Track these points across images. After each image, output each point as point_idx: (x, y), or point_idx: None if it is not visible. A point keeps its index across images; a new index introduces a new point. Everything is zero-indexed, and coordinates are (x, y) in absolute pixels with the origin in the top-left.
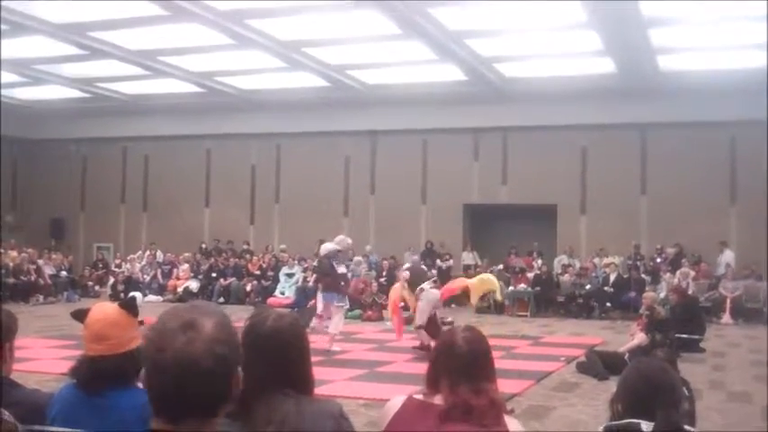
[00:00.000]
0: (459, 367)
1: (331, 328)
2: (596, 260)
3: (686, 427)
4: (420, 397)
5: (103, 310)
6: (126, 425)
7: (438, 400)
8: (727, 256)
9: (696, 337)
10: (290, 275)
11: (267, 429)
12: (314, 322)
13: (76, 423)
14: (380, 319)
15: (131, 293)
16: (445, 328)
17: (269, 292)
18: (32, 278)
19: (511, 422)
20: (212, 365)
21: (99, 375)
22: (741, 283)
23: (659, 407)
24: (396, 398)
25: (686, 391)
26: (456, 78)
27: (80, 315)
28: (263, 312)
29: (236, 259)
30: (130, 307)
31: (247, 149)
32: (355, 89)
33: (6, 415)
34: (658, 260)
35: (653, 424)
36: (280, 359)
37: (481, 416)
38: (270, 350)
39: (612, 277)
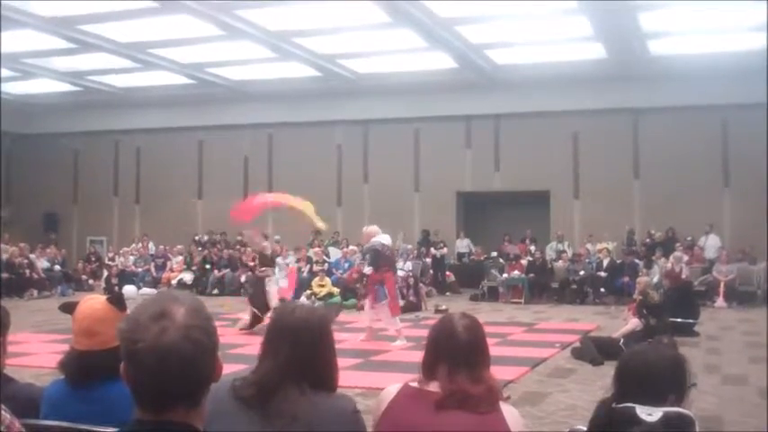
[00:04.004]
0: (459, 355)
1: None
2: (589, 245)
3: (681, 410)
4: (416, 385)
5: (91, 305)
6: (117, 414)
7: (434, 387)
8: (712, 239)
9: (690, 320)
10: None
11: (278, 422)
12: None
13: (67, 417)
14: None
15: (124, 287)
16: (440, 315)
17: None
18: (26, 273)
19: (507, 409)
20: (189, 352)
21: (88, 370)
22: (735, 267)
23: (662, 395)
24: (391, 386)
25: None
26: (447, 66)
27: (69, 308)
28: (290, 305)
29: (230, 250)
30: (118, 302)
31: (239, 140)
32: (346, 78)
33: (5, 410)
34: (650, 243)
35: (647, 408)
36: (303, 352)
37: (478, 403)
38: (295, 343)
39: (606, 262)
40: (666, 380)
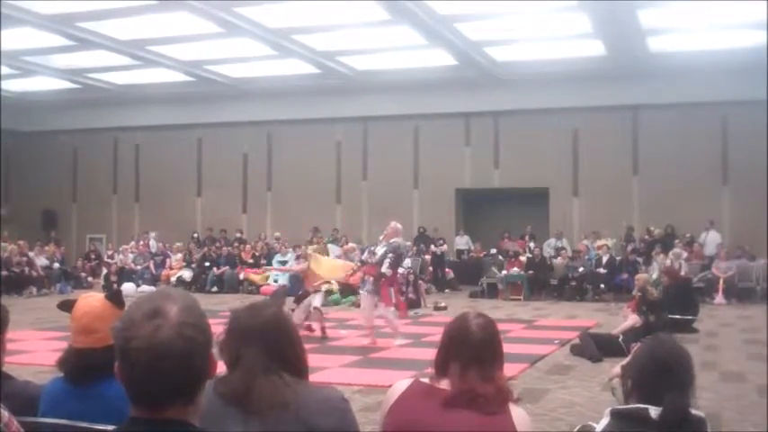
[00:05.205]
0: (472, 354)
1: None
2: (586, 242)
3: (692, 410)
4: (426, 381)
5: (90, 302)
6: (115, 412)
7: (444, 384)
8: (712, 236)
9: (689, 317)
10: (282, 263)
11: (270, 414)
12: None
13: (66, 414)
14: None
15: (123, 285)
16: (439, 312)
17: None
18: (25, 270)
19: (516, 411)
20: (183, 349)
21: (87, 368)
22: (734, 263)
23: (667, 390)
24: (401, 381)
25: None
26: (446, 63)
27: (67, 306)
28: (239, 309)
29: (229, 248)
30: (117, 299)
31: (239, 138)
32: (346, 75)
33: (3, 408)
34: (648, 239)
35: (658, 409)
36: (273, 347)
37: (486, 403)
38: (260, 341)
39: (605, 259)
40: (689, 369)
